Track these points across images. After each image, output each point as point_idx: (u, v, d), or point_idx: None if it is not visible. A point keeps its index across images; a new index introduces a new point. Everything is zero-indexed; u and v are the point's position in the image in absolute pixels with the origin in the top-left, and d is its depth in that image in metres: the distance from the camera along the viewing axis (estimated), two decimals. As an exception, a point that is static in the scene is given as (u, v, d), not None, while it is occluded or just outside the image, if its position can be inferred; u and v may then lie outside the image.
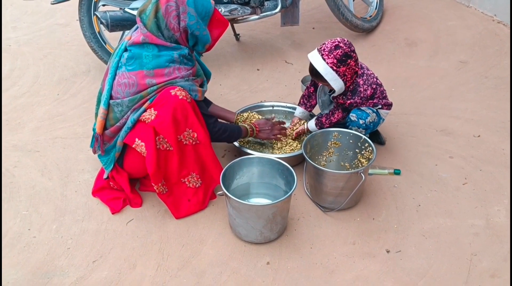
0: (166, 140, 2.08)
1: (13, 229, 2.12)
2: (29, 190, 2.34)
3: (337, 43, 2.21)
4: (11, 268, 1.94)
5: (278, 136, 2.49)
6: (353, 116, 2.36)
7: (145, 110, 2.10)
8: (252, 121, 2.52)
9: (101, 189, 2.30)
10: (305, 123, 2.54)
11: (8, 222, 2.15)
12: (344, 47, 2.20)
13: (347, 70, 2.22)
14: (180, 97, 2.07)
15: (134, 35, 2.11)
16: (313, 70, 2.27)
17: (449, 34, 3.62)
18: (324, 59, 2.20)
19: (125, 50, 2.12)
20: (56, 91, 3.21)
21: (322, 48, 2.23)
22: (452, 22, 3.71)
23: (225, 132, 2.30)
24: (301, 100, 2.61)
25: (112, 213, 2.20)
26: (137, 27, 2.13)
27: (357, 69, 2.28)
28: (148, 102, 2.09)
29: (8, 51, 3.71)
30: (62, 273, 1.92)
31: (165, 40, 2.08)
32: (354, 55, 2.24)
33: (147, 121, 2.08)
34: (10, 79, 3.34)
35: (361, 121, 2.34)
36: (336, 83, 2.23)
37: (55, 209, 2.23)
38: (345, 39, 2.26)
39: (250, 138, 2.52)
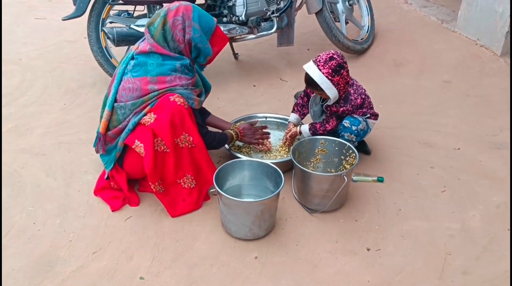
0: (163, 142, 2.26)
1: (19, 222, 2.27)
2: (35, 189, 2.49)
3: (331, 55, 2.42)
4: (16, 257, 2.08)
5: (260, 140, 2.66)
6: (346, 122, 2.54)
7: (145, 114, 2.28)
8: (236, 126, 2.69)
9: (102, 189, 2.46)
10: (298, 127, 2.69)
11: (15, 216, 2.30)
12: (338, 59, 2.41)
13: (341, 79, 2.42)
14: (178, 103, 2.26)
15: (141, 45, 2.32)
16: (309, 79, 2.46)
17: (434, 56, 3.84)
18: (320, 69, 2.40)
19: (132, 58, 2.32)
20: (63, 101, 3.40)
21: (318, 60, 2.43)
22: (438, 45, 3.93)
23: (214, 140, 2.49)
24: (295, 108, 2.80)
25: (112, 211, 2.35)
26: (144, 38, 2.33)
27: (348, 79, 2.48)
28: (149, 106, 2.28)
29: (19, 64, 3.92)
30: (63, 262, 2.07)
31: (170, 51, 2.28)
32: (346, 66, 2.45)
33: (146, 124, 2.26)
34: (20, 89, 3.54)
35: (353, 127, 2.52)
36: (331, 91, 2.42)
37: (59, 206, 2.38)
38: (338, 51, 2.47)
39: (238, 142, 2.68)
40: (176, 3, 2.32)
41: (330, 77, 2.40)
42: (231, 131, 2.61)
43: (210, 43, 2.38)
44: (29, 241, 2.17)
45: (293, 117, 2.80)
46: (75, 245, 2.16)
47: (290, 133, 2.68)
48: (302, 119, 2.82)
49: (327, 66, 2.40)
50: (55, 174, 2.61)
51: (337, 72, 2.40)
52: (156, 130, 2.24)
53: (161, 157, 2.28)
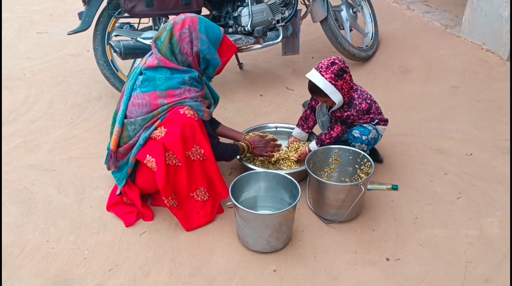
0: (175, 155, 2.23)
1: (32, 241, 2.24)
2: (46, 206, 2.46)
3: (332, 60, 2.42)
4: (32, 277, 2.05)
5: (271, 153, 2.62)
6: (356, 132, 2.52)
7: (156, 128, 2.25)
8: (246, 138, 2.66)
9: (115, 204, 2.43)
10: (306, 146, 2.68)
11: (28, 235, 2.27)
12: (339, 63, 2.41)
13: (344, 84, 2.41)
14: (188, 115, 2.24)
15: (149, 59, 2.30)
16: (313, 87, 2.45)
17: (440, 61, 3.84)
18: (322, 75, 2.40)
19: (140, 73, 2.30)
20: (69, 115, 3.38)
21: (320, 66, 2.43)
22: (443, 51, 3.94)
23: (225, 152, 2.47)
24: (299, 122, 2.79)
25: (126, 226, 2.32)
26: (152, 53, 2.31)
27: (352, 84, 2.48)
28: (159, 120, 2.26)
29: (23, 80, 3.90)
30: (80, 280, 2.03)
31: (178, 64, 2.26)
32: (348, 70, 2.44)
33: (157, 138, 2.23)
34: (26, 104, 3.51)
35: (364, 137, 2.51)
36: (336, 96, 2.41)
37: (72, 223, 2.35)
38: (339, 57, 2.47)
39: (248, 154, 2.64)
40: (182, 16, 2.30)
41: (333, 82, 2.39)
42: (243, 143, 2.59)
43: (218, 53, 2.36)
44: (43, 259, 2.14)
45: (296, 131, 2.80)
46: (90, 263, 2.12)
47: (299, 153, 2.65)
48: (308, 132, 2.79)
49: (330, 71, 2.39)
50: (66, 190, 2.58)
51: (340, 76, 2.40)
52: (167, 144, 2.21)
53: (173, 171, 2.26)
